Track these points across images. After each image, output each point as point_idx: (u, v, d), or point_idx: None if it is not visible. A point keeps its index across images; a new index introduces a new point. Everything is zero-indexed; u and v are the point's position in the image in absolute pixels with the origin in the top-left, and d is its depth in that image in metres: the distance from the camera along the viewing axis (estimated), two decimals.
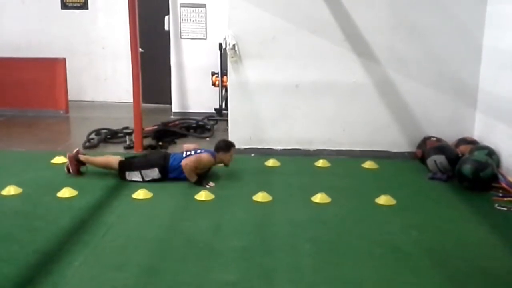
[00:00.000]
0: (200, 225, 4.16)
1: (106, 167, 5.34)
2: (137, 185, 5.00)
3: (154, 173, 5.16)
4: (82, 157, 5.39)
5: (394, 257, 3.66)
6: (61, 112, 8.65)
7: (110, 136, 7.03)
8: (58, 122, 8.26)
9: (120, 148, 6.57)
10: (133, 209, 4.51)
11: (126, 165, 5.23)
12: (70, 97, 8.83)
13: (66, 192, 4.74)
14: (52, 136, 7.34)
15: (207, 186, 5.03)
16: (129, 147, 6.56)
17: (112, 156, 5.43)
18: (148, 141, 6.66)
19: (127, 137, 6.78)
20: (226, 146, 5.32)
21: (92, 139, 6.88)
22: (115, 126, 7.30)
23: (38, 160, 5.91)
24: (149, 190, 4.83)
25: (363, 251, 3.75)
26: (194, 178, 5.08)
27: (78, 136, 7.08)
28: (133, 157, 5.47)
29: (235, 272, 3.39)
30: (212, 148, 5.38)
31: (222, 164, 5.33)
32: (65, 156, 5.85)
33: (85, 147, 6.59)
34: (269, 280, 3.30)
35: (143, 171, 5.16)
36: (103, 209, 4.46)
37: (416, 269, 3.47)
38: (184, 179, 5.11)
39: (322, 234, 4.02)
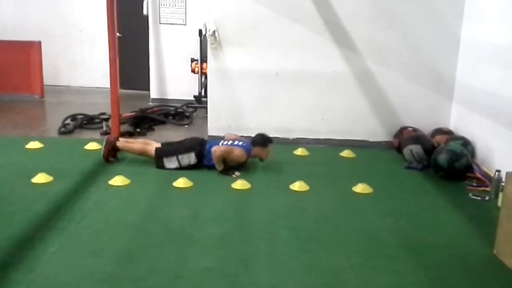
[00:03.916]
0: (178, 212, 4.14)
1: (144, 154, 5.25)
2: (114, 171, 4.94)
3: (190, 157, 5.08)
4: (119, 143, 5.29)
5: (370, 244, 3.70)
6: (36, 96, 8.48)
7: (86, 122, 6.93)
8: (33, 106, 8.10)
9: (96, 134, 6.49)
10: (110, 195, 4.46)
11: (163, 151, 5.15)
12: (45, 82, 8.68)
13: (41, 178, 4.65)
14: (27, 121, 7.20)
15: (233, 176, 4.95)
16: (106, 133, 6.46)
17: (148, 145, 5.28)
18: (125, 128, 6.59)
19: (104, 123, 6.71)
20: (264, 141, 5.19)
21: (68, 124, 6.77)
22: (91, 112, 7.19)
23: (12, 145, 5.80)
24: (126, 176, 4.78)
25: (340, 238, 3.78)
26: (220, 167, 5.02)
27: (54, 121, 6.96)
28: (169, 144, 5.37)
29: (213, 258, 3.39)
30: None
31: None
32: (40, 141, 5.77)
33: (60, 133, 6.49)
34: (247, 266, 3.31)
35: (179, 156, 5.08)
36: (79, 195, 4.40)
37: (392, 257, 3.53)
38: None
39: (300, 222, 4.04)
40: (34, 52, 8.43)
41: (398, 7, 6.09)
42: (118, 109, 6.36)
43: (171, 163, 5.11)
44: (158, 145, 5.29)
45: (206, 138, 5.65)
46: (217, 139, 5.56)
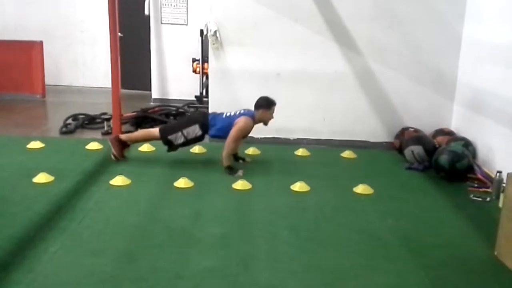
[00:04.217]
0: (179, 212, 4.14)
1: (148, 138, 5.30)
2: (115, 171, 4.94)
3: (195, 129, 5.12)
4: (122, 136, 5.33)
5: (371, 245, 3.70)
6: (38, 96, 8.50)
7: (87, 122, 6.93)
8: (34, 106, 8.11)
9: (97, 134, 6.49)
10: (111, 195, 4.47)
11: (167, 129, 5.21)
12: (47, 81, 8.69)
13: (42, 178, 4.65)
14: (28, 120, 7.20)
15: (236, 176, 4.98)
16: (107, 133, 6.48)
17: (150, 129, 5.36)
18: (126, 128, 6.59)
19: (105, 123, 6.71)
20: (267, 103, 5.18)
21: (69, 124, 6.78)
22: (93, 112, 7.20)
23: (13, 145, 5.80)
24: (127, 176, 4.78)
25: (340, 238, 3.78)
26: (228, 161, 5.05)
27: (55, 121, 6.96)
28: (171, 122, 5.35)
29: (213, 259, 3.39)
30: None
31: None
32: (41, 141, 5.78)
33: (61, 133, 6.50)
34: (248, 267, 3.31)
35: (184, 130, 5.11)
36: (80, 195, 4.40)
37: (392, 257, 3.52)
38: (223, 137, 5.07)
39: (301, 222, 4.04)
40: (35, 52, 8.45)
41: (399, 6, 6.09)
42: (120, 109, 6.37)
43: (177, 139, 5.13)
44: (160, 126, 5.34)
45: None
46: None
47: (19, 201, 4.22)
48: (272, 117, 5.25)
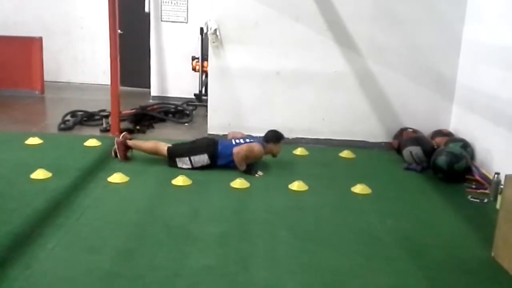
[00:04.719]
0: (177, 210, 4.14)
1: (155, 153, 5.25)
2: (113, 168, 4.94)
3: (203, 158, 5.08)
4: (130, 143, 5.29)
5: (369, 245, 3.70)
6: (37, 92, 8.47)
7: (86, 118, 6.92)
8: (33, 102, 8.09)
9: (96, 131, 6.48)
10: (109, 192, 4.46)
11: (176, 151, 5.15)
12: (46, 78, 8.66)
13: (40, 174, 4.65)
14: (27, 117, 7.19)
15: (256, 175, 4.99)
16: (106, 130, 6.47)
17: (160, 143, 5.30)
18: (125, 125, 6.58)
19: (104, 119, 6.70)
20: (276, 138, 5.24)
21: (68, 120, 6.76)
22: (91, 108, 7.18)
23: (12, 141, 5.79)
24: (126, 174, 4.78)
25: (339, 238, 3.79)
26: (243, 167, 5.04)
27: (54, 117, 6.95)
28: (181, 144, 5.36)
29: (212, 257, 3.39)
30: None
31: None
32: (39, 137, 5.77)
33: (60, 129, 6.48)
34: (246, 265, 3.31)
35: (192, 157, 5.07)
36: (78, 191, 4.40)
37: (390, 257, 3.53)
38: (233, 166, 5.05)
39: (299, 222, 4.04)
40: (35, 48, 8.42)
41: (399, 7, 6.08)
42: (118, 106, 6.36)
43: (183, 163, 5.11)
44: (169, 145, 5.26)
45: (217, 138, 5.59)
46: (220, 138, 5.58)
47: (17, 197, 4.22)
48: (280, 151, 5.29)
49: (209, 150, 5.12)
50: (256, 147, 5.11)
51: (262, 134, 5.52)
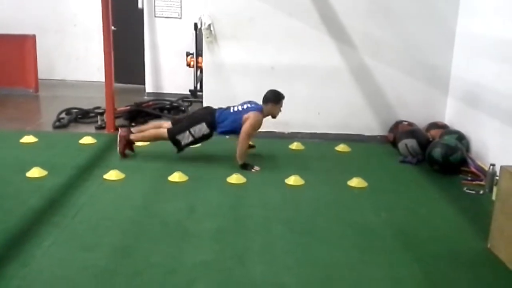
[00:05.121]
0: (173, 207, 4.13)
1: (157, 138, 5.26)
2: (108, 165, 4.93)
3: (202, 128, 5.10)
4: (132, 137, 5.26)
5: (365, 238, 3.71)
6: (31, 90, 8.43)
7: (81, 116, 6.90)
8: (27, 101, 8.06)
9: (91, 128, 6.46)
10: (105, 190, 4.45)
11: (175, 130, 5.18)
12: (40, 76, 8.62)
13: (35, 172, 4.63)
14: (21, 115, 7.16)
15: (253, 170, 4.99)
16: (101, 127, 6.45)
17: (161, 126, 5.35)
18: (120, 122, 6.56)
19: (99, 117, 6.68)
20: (276, 97, 5.17)
21: (63, 118, 6.74)
22: (86, 106, 7.16)
23: (6, 140, 5.77)
24: (122, 171, 4.77)
25: (334, 232, 3.79)
26: (244, 158, 5.05)
27: (48, 115, 6.92)
28: (179, 120, 5.39)
29: (208, 253, 3.40)
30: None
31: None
32: (34, 135, 5.75)
33: (55, 127, 6.46)
34: (242, 261, 3.31)
35: (191, 129, 5.10)
36: (73, 189, 4.39)
37: (386, 250, 3.54)
38: (232, 132, 5.07)
39: (295, 216, 4.05)
40: (28, 46, 8.37)
41: (394, 1, 6.08)
42: (113, 103, 6.34)
43: (185, 138, 5.12)
44: (169, 124, 5.29)
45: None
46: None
47: (13, 195, 4.21)
48: (281, 111, 5.26)
49: (206, 119, 5.14)
50: (254, 118, 5.05)
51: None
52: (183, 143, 5.14)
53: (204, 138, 5.18)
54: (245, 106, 5.21)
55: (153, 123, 5.60)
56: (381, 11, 6.12)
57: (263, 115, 5.17)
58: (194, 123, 5.15)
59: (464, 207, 4.36)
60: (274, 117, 5.29)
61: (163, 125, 5.37)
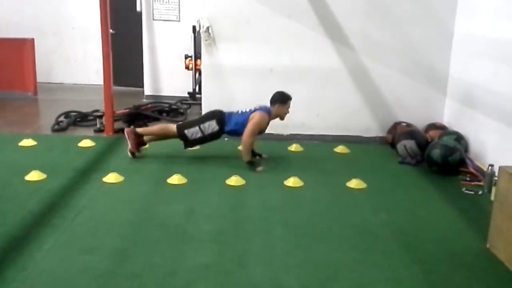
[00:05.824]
0: (173, 209, 4.13)
1: (165, 133, 5.30)
2: (107, 168, 4.93)
3: (212, 124, 5.15)
4: (139, 130, 5.33)
5: (364, 239, 3.72)
6: (29, 94, 8.44)
7: (80, 119, 6.90)
8: (26, 104, 8.06)
9: (90, 131, 6.46)
10: (104, 192, 4.45)
11: (185, 124, 5.27)
12: (38, 79, 8.63)
13: (34, 175, 4.63)
14: (20, 118, 7.16)
15: (258, 170, 5.02)
16: (100, 130, 6.45)
17: (168, 123, 5.42)
18: (119, 125, 6.56)
19: (98, 120, 6.68)
20: (283, 97, 5.21)
21: (61, 121, 6.74)
22: (85, 109, 7.16)
23: (5, 143, 5.77)
24: (120, 173, 4.77)
25: (334, 234, 3.80)
26: (248, 156, 5.08)
27: (47, 119, 6.92)
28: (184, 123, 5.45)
29: (208, 255, 3.40)
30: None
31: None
32: (33, 139, 5.75)
33: (53, 130, 6.46)
34: (242, 262, 3.31)
35: (201, 125, 5.15)
36: (73, 192, 4.39)
37: (385, 251, 3.54)
38: (239, 134, 5.11)
39: (295, 218, 4.05)
40: (27, 49, 8.38)
41: (392, 2, 6.09)
42: (112, 106, 6.35)
43: (194, 133, 5.16)
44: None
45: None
46: None
47: (12, 198, 4.21)
48: (288, 112, 5.29)
49: (216, 116, 5.21)
50: (259, 117, 5.10)
51: None
52: (191, 138, 5.18)
53: (212, 136, 5.21)
54: (253, 108, 5.27)
55: (158, 125, 5.65)
56: (379, 12, 6.14)
57: (270, 117, 5.20)
58: (205, 120, 5.23)
59: (463, 208, 4.36)
60: (282, 118, 5.31)
61: (170, 125, 5.42)
